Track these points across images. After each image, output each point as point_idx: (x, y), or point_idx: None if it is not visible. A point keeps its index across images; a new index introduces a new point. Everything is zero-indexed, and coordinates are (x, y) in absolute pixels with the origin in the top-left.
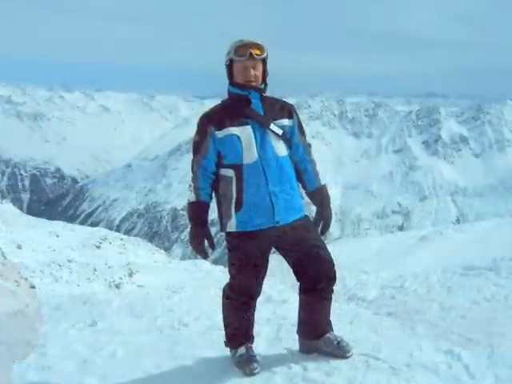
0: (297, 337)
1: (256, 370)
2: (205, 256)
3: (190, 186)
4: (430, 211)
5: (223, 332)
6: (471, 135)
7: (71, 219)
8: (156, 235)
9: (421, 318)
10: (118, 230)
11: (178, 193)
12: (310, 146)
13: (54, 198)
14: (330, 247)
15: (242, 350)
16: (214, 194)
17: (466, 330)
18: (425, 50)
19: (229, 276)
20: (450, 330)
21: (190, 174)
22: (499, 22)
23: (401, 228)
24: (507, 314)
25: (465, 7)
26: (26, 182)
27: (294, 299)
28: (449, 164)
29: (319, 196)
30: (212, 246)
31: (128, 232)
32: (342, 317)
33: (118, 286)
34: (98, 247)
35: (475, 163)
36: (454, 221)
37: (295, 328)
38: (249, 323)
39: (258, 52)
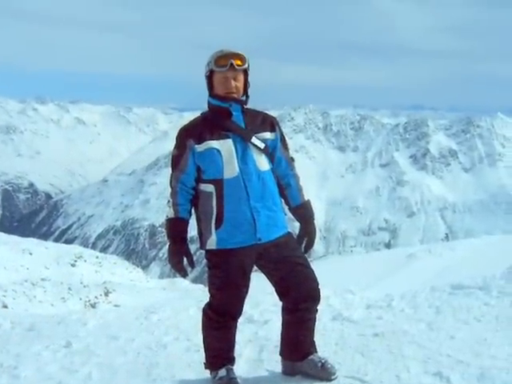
0: (279, 358)
1: None
2: (184, 274)
3: (168, 201)
4: (418, 228)
5: (203, 353)
6: (461, 149)
7: (45, 236)
8: (133, 253)
9: (408, 338)
10: (93, 247)
11: (156, 209)
12: (293, 160)
13: (27, 214)
14: (314, 265)
15: (222, 372)
16: (193, 211)
17: (455, 352)
18: (412, 60)
19: (209, 295)
20: (438, 351)
21: (169, 190)
22: (489, 32)
23: (388, 245)
24: (498, 335)
25: (453, 17)
26: None
27: (276, 319)
28: (437, 179)
29: (303, 212)
30: (191, 264)
31: (104, 249)
32: (326, 337)
33: (93, 306)
34: (73, 265)
35: (465, 178)
36: (443, 238)
37: (278, 349)
38: (230, 344)
39: (238, 62)
